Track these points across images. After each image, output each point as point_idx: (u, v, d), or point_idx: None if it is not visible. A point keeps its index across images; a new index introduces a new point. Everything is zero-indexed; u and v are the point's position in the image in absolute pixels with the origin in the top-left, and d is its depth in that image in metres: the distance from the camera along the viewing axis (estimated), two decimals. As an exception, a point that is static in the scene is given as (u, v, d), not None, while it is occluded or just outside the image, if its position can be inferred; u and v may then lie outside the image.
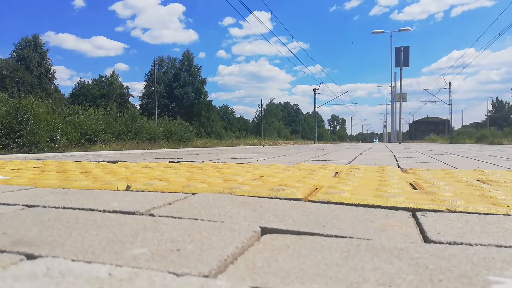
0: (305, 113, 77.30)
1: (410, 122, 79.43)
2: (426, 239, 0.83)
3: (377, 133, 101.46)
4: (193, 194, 1.38)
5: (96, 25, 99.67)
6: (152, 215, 1.03)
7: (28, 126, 8.38)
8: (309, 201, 1.26)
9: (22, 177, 1.89)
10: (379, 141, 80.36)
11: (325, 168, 2.53)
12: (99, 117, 13.02)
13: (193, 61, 43.55)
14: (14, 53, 33.34)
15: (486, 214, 1.08)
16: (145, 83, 42.66)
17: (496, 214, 1.08)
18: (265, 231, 0.88)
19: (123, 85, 39.57)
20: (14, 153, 7.01)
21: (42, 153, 6.99)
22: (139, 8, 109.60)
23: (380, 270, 0.62)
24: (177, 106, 41.98)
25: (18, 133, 8.25)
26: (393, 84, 31.81)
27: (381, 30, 29.80)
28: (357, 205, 1.19)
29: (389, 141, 37.89)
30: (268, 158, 4.24)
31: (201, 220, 0.96)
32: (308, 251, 0.73)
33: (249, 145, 17.44)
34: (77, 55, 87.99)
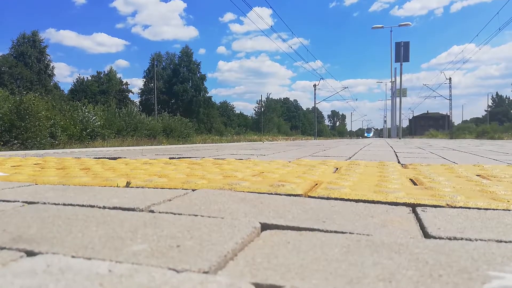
0: (305, 109, 77.26)
1: (410, 118, 79.17)
2: (426, 235, 0.83)
3: (376, 128, 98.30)
4: (193, 190, 1.38)
5: (96, 22, 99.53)
6: (152, 211, 1.03)
7: (30, 123, 8.37)
8: (309, 197, 1.26)
9: (22, 173, 1.89)
10: (378, 136, 78.45)
11: (325, 164, 2.53)
12: (98, 113, 12.99)
13: (192, 57, 43.45)
14: (12, 49, 33.23)
15: (486, 209, 1.08)
16: (144, 80, 42.61)
17: (496, 209, 1.08)
18: (265, 227, 0.88)
19: (123, 81, 39.49)
20: (14, 150, 7.01)
21: (43, 149, 6.99)
22: (140, 5, 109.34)
23: (380, 266, 0.62)
24: (176, 102, 41.92)
25: (19, 130, 8.24)
26: (393, 79, 31.75)
27: (381, 25, 29.67)
28: (357, 201, 1.19)
29: (389, 136, 37.90)
30: (268, 154, 4.24)
31: (201, 216, 0.96)
32: (308, 246, 0.72)
33: (249, 141, 17.44)
34: (77, 52, 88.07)
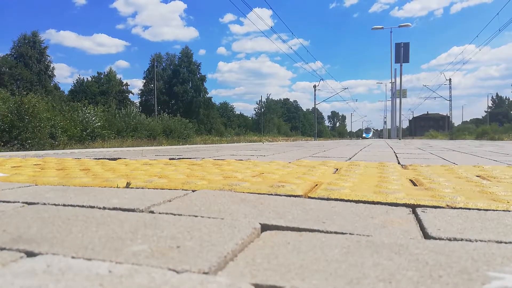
0: (305, 110, 77.23)
1: (410, 118, 79.06)
2: (426, 235, 0.83)
3: (376, 129, 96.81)
4: (193, 191, 1.38)
5: (97, 22, 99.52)
6: (152, 212, 1.03)
7: (30, 124, 8.37)
8: (309, 197, 1.26)
9: (22, 174, 1.89)
10: (378, 136, 76.65)
11: (325, 165, 2.53)
12: (98, 113, 12.99)
13: (192, 57, 43.48)
14: (13, 50, 33.24)
15: (486, 210, 1.08)
16: (144, 81, 42.62)
17: (496, 210, 1.08)
18: (265, 227, 0.88)
19: (123, 82, 39.49)
20: (14, 151, 7.01)
21: (42, 150, 6.99)
22: (140, 6, 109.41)
23: (380, 266, 0.62)
24: (176, 103, 41.94)
25: (19, 131, 8.25)
26: (393, 80, 31.76)
27: (381, 26, 29.70)
28: (357, 202, 1.19)
29: (389, 137, 37.91)
30: (268, 155, 4.24)
31: (201, 217, 0.96)
32: (308, 247, 0.73)
33: (249, 142, 17.45)
34: (78, 53, 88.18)
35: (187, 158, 3.42)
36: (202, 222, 0.91)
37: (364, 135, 73.16)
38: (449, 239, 0.80)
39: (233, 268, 0.62)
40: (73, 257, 0.65)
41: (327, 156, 4.08)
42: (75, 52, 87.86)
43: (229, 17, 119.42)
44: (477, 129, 30.47)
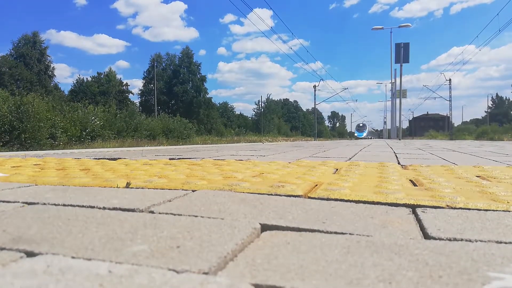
0: (305, 110, 77.15)
1: (410, 119, 78.95)
2: (426, 236, 0.83)
3: (376, 129, 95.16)
4: (193, 191, 1.38)
5: (97, 23, 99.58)
6: (152, 212, 1.03)
7: (29, 124, 8.38)
8: (309, 197, 1.26)
9: (21, 174, 1.89)
10: (378, 136, 72.54)
11: (325, 165, 2.53)
12: (98, 114, 13.00)
13: (192, 58, 43.45)
14: (13, 50, 33.21)
15: (486, 210, 1.08)
16: (144, 81, 42.60)
17: (496, 210, 1.08)
18: (265, 227, 0.88)
19: (123, 82, 39.46)
20: (14, 151, 7.01)
21: (42, 150, 6.99)
22: (141, 6, 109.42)
23: (380, 267, 0.62)
24: (176, 103, 41.93)
25: (19, 131, 8.25)
26: (393, 81, 31.80)
27: (381, 26, 29.74)
28: (357, 202, 1.19)
29: (389, 137, 37.93)
30: (268, 155, 4.24)
31: (201, 217, 0.96)
32: (308, 247, 0.73)
33: (249, 142, 17.44)
34: (78, 53, 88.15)
35: (187, 158, 3.42)
36: (202, 222, 0.91)
37: (356, 135, 56.28)
38: (449, 239, 0.80)
39: (233, 268, 0.62)
40: (73, 257, 0.65)
41: (327, 156, 4.08)
42: (76, 52, 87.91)
43: (229, 17, 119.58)
44: (477, 130, 30.50)
